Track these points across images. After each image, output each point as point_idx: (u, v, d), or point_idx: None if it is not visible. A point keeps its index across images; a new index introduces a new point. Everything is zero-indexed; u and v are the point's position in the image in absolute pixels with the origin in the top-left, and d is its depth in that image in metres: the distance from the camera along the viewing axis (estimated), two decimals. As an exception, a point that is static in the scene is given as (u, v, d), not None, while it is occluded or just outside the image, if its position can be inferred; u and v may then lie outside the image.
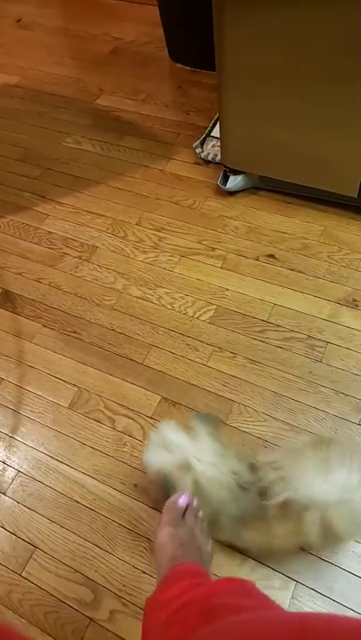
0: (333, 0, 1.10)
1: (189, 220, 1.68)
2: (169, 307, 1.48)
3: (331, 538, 0.88)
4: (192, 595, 0.62)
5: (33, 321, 1.51)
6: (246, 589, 0.60)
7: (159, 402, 1.32)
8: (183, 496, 0.87)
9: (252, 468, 0.90)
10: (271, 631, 0.42)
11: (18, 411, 1.35)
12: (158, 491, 0.93)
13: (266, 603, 0.59)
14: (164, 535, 0.78)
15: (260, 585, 1.06)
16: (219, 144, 1.68)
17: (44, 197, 1.82)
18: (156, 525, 0.78)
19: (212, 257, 1.58)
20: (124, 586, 1.10)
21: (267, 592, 1.05)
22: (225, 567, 1.09)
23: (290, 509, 0.85)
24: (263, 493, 0.87)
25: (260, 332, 1.41)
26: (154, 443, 0.94)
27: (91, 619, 1.07)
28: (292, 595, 1.06)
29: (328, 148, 1.42)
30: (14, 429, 1.33)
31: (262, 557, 1.05)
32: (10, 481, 1.25)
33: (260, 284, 1.50)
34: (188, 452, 0.90)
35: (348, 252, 1.54)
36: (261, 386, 1.32)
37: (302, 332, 1.39)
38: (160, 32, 2.22)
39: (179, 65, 2.24)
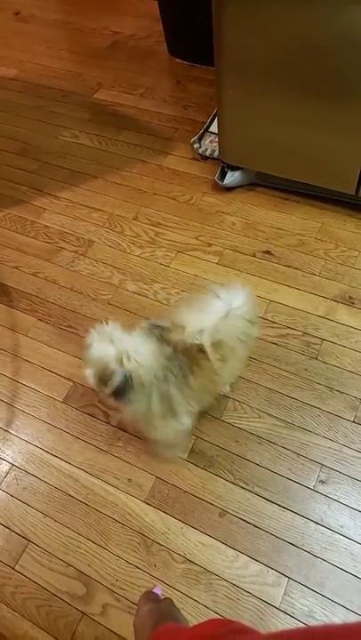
0: (333, -5, 1.10)
1: (186, 215, 1.68)
2: (165, 302, 1.48)
3: (228, 358, 1.00)
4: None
5: (28, 315, 1.50)
6: (235, 628, 0.58)
7: (154, 397, 1.32)
8: (157, 587, 0.90)
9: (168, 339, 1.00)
10: None
11: (12, 404, 1.35)
12: (97, 379, 0.97)
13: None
14: (144, 612, 0.78)
15: (253, 580, 1.07)
16: (217, 140, 1.68)
17: (41, 191, 1.81)
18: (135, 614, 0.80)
19: (208, 253, 1.57)
20: (116, 580, 1.10)
21: (260, 588, 1.06)
22: (218, 563, 1.10)
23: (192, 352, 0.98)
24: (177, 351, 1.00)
25: (256, 328, 1.41)
26: (98, 335, 0.97)
27: (83, 612, 1.07)
28: (284, 591, 1.06)
29: (326, 145, 1.42)
30: (8, 423, 1.32)
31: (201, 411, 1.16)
32: (4, 475, 1.25)
33: (256, 281, 1.50)
34: (125, 345, 0.96)
35: (344, 249, 1.54)
36: (256, 382, 1.32)
37: (298, 329, 1.39)
38: (159, 26, 2.21)
39: (178, 60, 2.23)
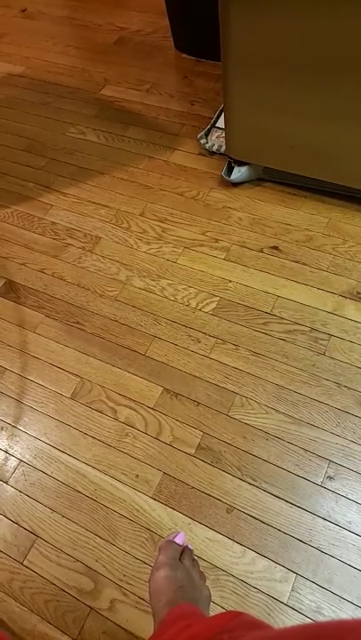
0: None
1: (193, 211, 1.67)
2: (172, 298, 1.48)
3: None
4: (190, 633, 0.59)
5: (36, 311, 1.51)
6: (247, 621, 0.57)
7: (161, 393, 1.32)
8: (180, 535, 0.84)
9: None
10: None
11: (20, 400, 1.36)
12: None
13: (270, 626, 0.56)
14: (161, 578, 0.74)
15: (260, 576, 1.07)
16: (223, 135, 1.67)
17: (47, 188, 1.82)
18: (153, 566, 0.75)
19: (215, 248, 1.57)
20: (124, 575, 1.10)
21: (267, 584, 1.06)
22: (226, 559, 1.10)
23: None
24: None
25: (263, 324, 1.40)
26: None
27: (91, 608, 1.08)
28: (292, 587, 1.06)
29: (333, 140, 1.41)
30: (17, 419, 1.33)
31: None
32: (12, 470, 1.26)
33: (263, 276, 1.49)
34: None
35: (352, 244, 1.52)
36: (264, 378, 1.31)
37: (306, 325, 1.39)
38: (165, 22, 2.20)
39: (184, 55, 2.22)
